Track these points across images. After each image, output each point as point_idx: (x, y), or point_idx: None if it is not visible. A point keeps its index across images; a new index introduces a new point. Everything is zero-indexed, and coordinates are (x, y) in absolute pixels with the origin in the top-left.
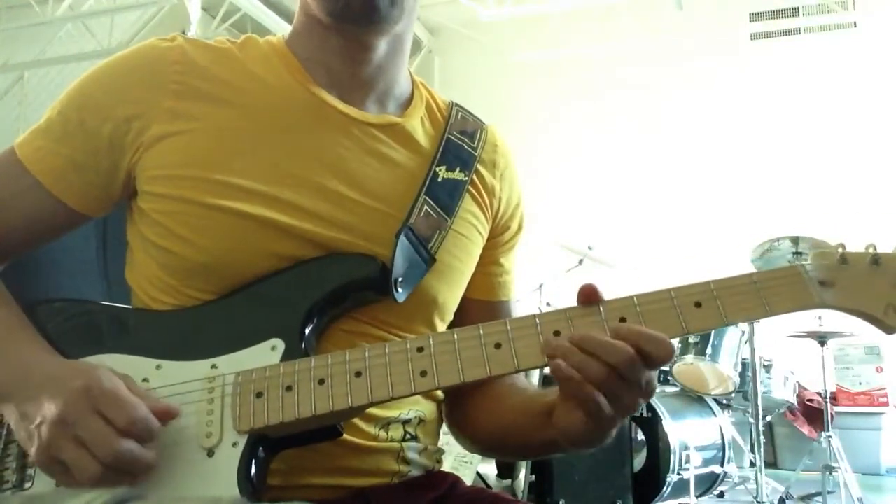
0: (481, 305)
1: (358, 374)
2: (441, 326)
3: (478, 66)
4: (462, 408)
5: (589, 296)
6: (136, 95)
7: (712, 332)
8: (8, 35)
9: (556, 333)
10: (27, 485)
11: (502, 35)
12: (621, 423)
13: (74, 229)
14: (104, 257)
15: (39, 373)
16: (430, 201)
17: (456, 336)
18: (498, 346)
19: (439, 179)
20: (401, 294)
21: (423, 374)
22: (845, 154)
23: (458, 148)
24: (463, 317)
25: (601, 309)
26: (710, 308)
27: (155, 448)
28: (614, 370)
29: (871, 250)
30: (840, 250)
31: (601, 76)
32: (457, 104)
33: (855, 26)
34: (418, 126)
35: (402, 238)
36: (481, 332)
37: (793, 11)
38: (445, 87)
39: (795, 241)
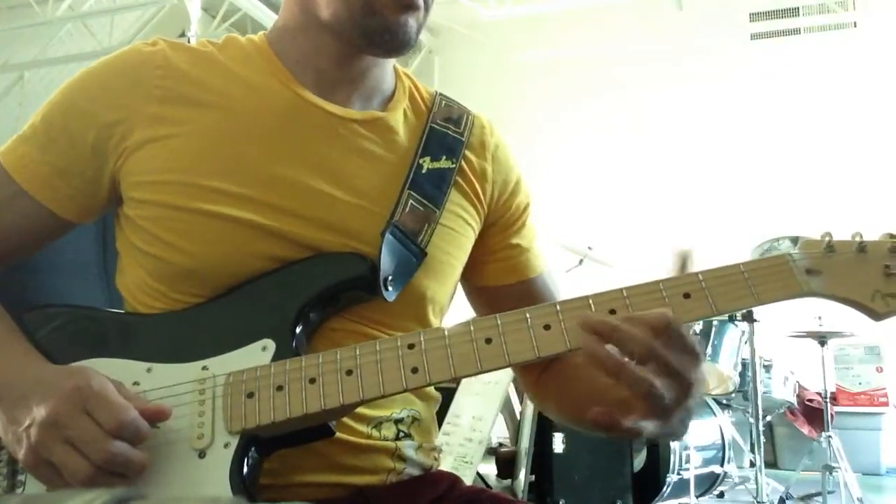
0: (512, 290)
1: (349, 373)
2: (435, 321)
3: (478, 66)
4: (550, 386)
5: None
6: (118, 101)
7: (712, 332)
8: (8, 35)
9: (546, 328)
10: (18, 490)
11: (502, 35)
12: (686, 411)
13: (63, 236)
14: (104, 259)
15: (28, 377)
16: (416, 195)
17: (447, 332)
18: (488, 341)
19: (423, 171)
20: (390, 293)
21: (415, 370)
22: (845, 154)
23: (443, 136)
24: (501, 306)
25: (590, 302)
26: (699, 299)
27: (146, 450)
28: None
29: (857, 238)
30: (827, 239)
31: (601, 76)
32: (441, 94)
33: (855, 26)
34: (401, 119)
35: (388, 236)
36: (472, 328)
37: (793, 11)
38: (445, 86)
39: (795, 241)
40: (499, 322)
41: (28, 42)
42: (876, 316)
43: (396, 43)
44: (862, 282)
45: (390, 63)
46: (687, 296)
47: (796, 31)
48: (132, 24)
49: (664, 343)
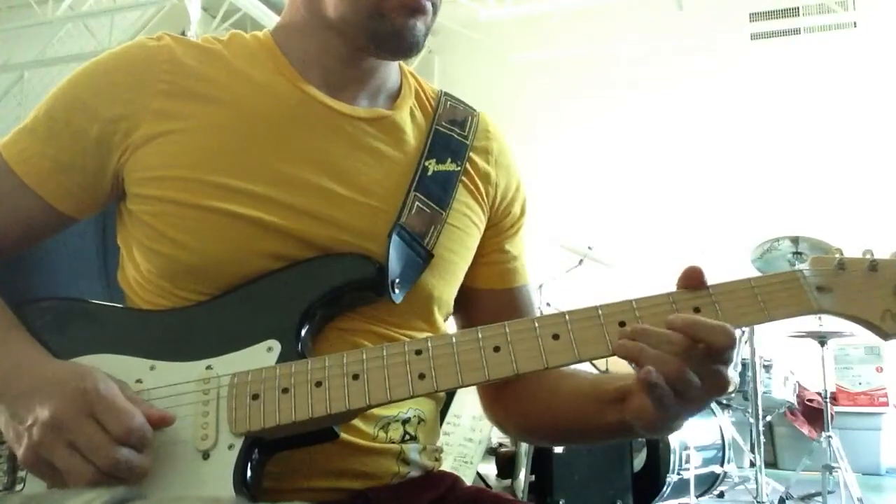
0: (495, 295)
1: (355, 377)
2: (440, 320)
3: (478, 66)
4: (510, 401)
5: (692, 278)
6: (123, 96)
7: None
8: (8, 35)
9: (555, 337)
10: (18, 486)
11: (502, 35)
12: (690, 415)
13: (62, 230)
14: (104, 257)
15: (31, 372)
16: (422, 197)
17: (454, 339)
18: (497, 349)
19: (429, 173)
20: (398, 295)
21: (422, 376)
22: (845, 154)
23: (448, 139)
24: (480, 308)
25: (599, 313)
26: (709, 313)
27: (150, 454)
28: (683, 360)
29: (868, 256)
30: (838, 256)
31: (601, 76)
32: (446, 93)
33: (855, 26)
34: (407, 118)
35: (395, 237)
36: (480, 335)
37: (793, 11)
38: (445, 86)
39: (795, 241)
40: (507, 330)
41: (28, 42)
42: (885, 335)
43: (404, 46)
44: (872, 301)
45: (395, 62)
46: (697, 310)
47: (796, 31)
48: (132, 24)
49: (702, 361)
